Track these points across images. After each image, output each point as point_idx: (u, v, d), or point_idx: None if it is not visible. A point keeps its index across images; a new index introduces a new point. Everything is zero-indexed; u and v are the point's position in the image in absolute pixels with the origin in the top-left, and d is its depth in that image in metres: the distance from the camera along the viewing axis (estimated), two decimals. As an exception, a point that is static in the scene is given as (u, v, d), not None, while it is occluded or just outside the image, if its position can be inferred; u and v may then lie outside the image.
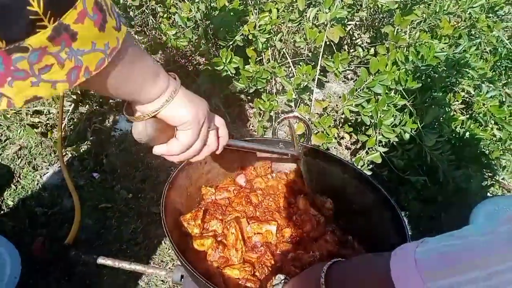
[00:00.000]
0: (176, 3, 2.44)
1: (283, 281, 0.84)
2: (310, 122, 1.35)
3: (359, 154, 2.14)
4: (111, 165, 2.16)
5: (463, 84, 2.22)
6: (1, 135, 2.30)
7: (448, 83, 2.12)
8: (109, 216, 1.94)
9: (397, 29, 2.15)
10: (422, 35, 2.13)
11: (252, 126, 2.51)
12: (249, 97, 2.65)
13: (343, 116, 2.29)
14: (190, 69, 2.77)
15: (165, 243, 1.88)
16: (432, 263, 0.44)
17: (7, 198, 1.96)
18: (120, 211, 1.97)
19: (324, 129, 2.01)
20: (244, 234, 1.18)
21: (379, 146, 1.97)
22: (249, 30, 2.15)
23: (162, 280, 1.74)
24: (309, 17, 2.13)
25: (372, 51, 2.49)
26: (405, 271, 0.46)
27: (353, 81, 2.94)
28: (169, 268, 1.78)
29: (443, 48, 2.09)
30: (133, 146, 2.28)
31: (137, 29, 2.94)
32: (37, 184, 2.06)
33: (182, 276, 1.26)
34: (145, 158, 2.24)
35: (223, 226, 1.20)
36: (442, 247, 0.45)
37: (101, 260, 1.31)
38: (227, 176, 1.40)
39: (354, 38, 2.84)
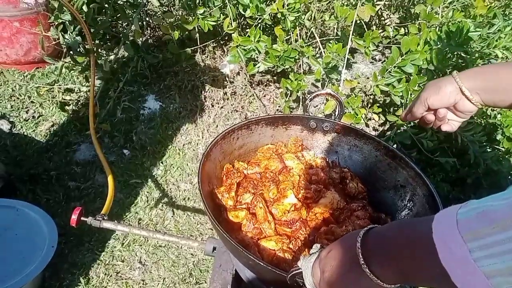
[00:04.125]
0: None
1: (320, 249, 0.85)
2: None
3: (387, 135, 2.12)
4: (141, 142, 2.20)
5: (496, 65, 2.16)
6: (34, 112, 2.36)
7: (481, 63, 2.06)
8: (139, 192, 1.99)
9: (429, 8, 2.10)
10: (455, 14, 2.08)
11: (279, 106, 2.51)
12: (275, 78, 2.65)
13: (371, 97, 2.27)
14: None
15: (193, 218, 1.92)
16: (473, 223, 0.43)
17: (41, 173, 2.02)
18: (149, 186, 2.02)
19: (353, 109, 2.00)
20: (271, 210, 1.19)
21: (408, 127, 1.95)
22: (277, 8, 2.13)
23: (192, 254, 1.78)
24: (339, -5, 2.10)
25: (402, 31, 2.44)
26: (447, 231, 0.45)
27: (381, 63, 2.90)
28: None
29: (477, 28, 2.03)
30: (162, 124, 2.32)
31: (165, 9, 2.95)
32: (70, 159, 2.12)
33: (214, 248, 1.29)
34: (173, 136, 2.28)
35: (252, 203, 1.21)
36: (483, 207, 0.44)
37: (136, 231, 1.34)
38: (258, 152, 1.42)
39: (383, 19, 2.79)
